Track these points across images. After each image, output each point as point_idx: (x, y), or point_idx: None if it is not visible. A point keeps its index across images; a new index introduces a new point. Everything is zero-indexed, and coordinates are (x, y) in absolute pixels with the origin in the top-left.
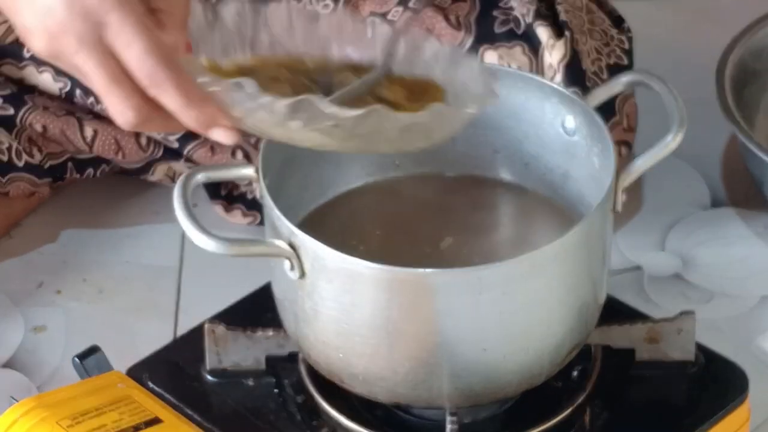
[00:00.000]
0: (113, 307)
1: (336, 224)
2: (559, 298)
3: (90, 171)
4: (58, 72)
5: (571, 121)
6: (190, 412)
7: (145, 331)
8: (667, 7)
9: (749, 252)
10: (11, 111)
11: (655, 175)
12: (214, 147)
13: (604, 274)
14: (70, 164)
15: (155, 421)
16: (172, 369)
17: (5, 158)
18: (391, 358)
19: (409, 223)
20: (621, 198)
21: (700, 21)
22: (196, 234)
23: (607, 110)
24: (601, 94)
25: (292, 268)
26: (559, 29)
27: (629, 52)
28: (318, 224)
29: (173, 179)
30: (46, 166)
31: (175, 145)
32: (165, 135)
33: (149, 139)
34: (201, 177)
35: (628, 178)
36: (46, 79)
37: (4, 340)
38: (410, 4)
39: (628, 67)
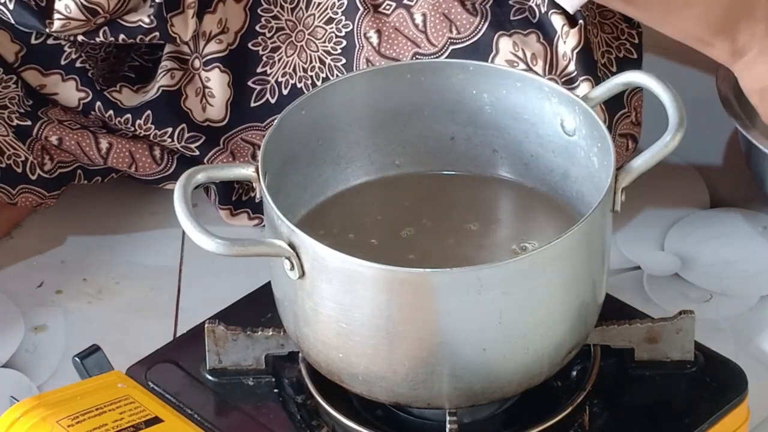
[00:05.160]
0: (113, 307)
1: (336, 224)
2: (559, 297)
3: (98, 178)
4: (83, 82)
5: (570, 121)
6: (190, 411)
7: (145, 331)
8: None
9: (749, 252)
10: (28, 122)
11: (655, 174)
12: (234, 153)
13: (603, 273)
14: (79, 172)
15: (155, 420)
16: (172, 368)
17: (19, 170)
18: (391, 358)
19: (409, 222)
20: (620, 198)
21: None
22: (196, 234)
23: (616, 103)
24: (601, 94)
25: (291, 267)
26: (572, 19)
27: (638, 47)
28: (317, 224)
29: None
30: (55, 174)
31: (196, 152)
32: (185, 143)
33: (163, 152)
34: (201, 177)
35: (628, 177)
36: (69, 88)
37: (4, 340)
38: None
39: (638, 61)
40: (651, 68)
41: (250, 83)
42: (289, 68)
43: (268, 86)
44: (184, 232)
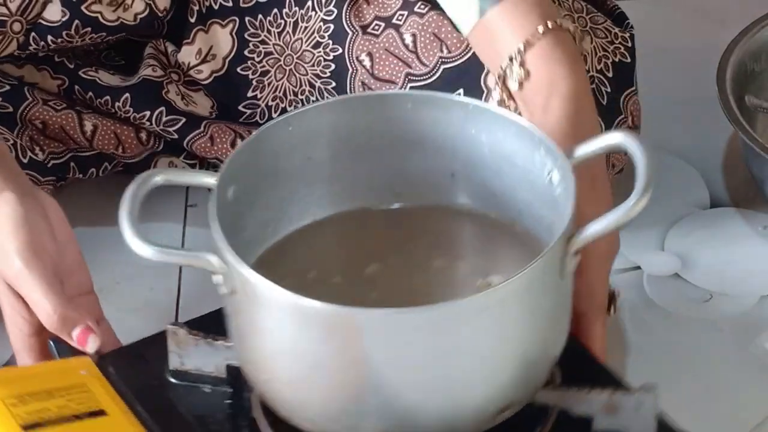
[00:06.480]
0: (113, 307)
1: (298, 261)
2: (489, 350)
3: (93, 171)
4: (56, 70)
5: (556, 174)
6: (139, 408)
7: (145, 331)
8: (667, 7)
9: (749, 252)
10: (10, 109)
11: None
12: (213, 137)
13: (556, 328)
14: (72, 164)
15: (99, 413)
16: (140, 364)
17: (12, 155)
18: (313, 389)
19: (375, 258)
20: (573, 262)
21: (700, 21)
22: (130, 236)
23: (614, 109)
24: (585, 153)
25: (223, 282)
26: None
27: (632, 50)
28: (278, 261)
29: None
30: (49, 165)
31: (175, 136)
32: (163, 126)
33: (149, 133)
34: (160, 179)
35: (579, 242)
36: (45, 77)
37: (5, 339)
38: (415, 8)
39: (631, 65)
40: (651, 69)
41: (240, 107)
42: (279, 92)
43: (258, 110)
44: (184, 232)
